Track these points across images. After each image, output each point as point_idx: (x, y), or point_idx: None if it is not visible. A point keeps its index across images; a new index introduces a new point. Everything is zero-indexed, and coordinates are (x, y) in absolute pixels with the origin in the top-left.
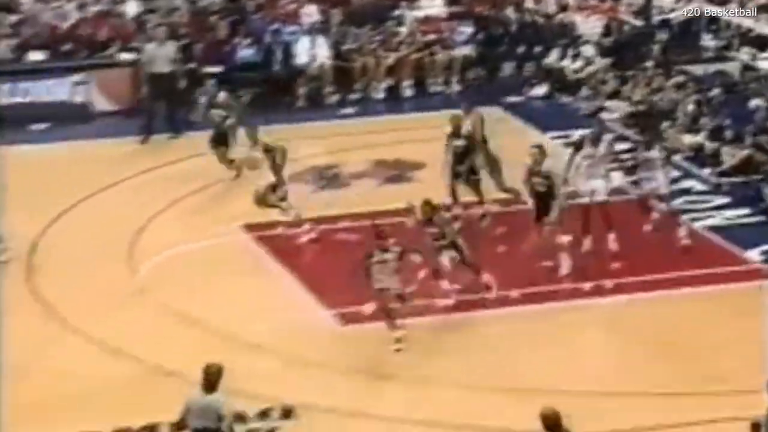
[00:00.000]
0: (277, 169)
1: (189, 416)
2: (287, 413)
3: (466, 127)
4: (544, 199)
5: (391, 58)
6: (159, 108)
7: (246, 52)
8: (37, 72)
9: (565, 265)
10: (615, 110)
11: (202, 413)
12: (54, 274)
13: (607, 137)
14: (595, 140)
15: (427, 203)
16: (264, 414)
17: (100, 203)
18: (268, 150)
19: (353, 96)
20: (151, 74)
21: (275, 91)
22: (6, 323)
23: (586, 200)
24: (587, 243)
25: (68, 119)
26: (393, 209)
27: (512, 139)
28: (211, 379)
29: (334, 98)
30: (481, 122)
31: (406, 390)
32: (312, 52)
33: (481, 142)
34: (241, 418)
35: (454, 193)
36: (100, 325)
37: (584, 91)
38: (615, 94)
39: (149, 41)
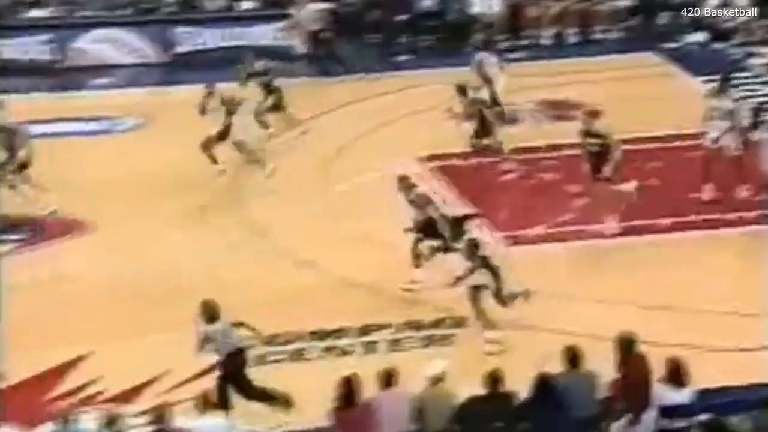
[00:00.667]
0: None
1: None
2: None
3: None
4: (598, 158)
5: (556, 7)
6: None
7: (426, 2)
8: (245, 19)
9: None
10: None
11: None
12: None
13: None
14: (722, 90)
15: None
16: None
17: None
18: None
19: (522, 42)
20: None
21: (451, 37)
22: (216, 240)
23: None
24: (707, 190)
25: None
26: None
27: (666, 83)
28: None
29: (505, 44)
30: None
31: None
32: (486, 2)
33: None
34: None
35: None
36: (293, 239)
37: (737, 39)
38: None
39: None
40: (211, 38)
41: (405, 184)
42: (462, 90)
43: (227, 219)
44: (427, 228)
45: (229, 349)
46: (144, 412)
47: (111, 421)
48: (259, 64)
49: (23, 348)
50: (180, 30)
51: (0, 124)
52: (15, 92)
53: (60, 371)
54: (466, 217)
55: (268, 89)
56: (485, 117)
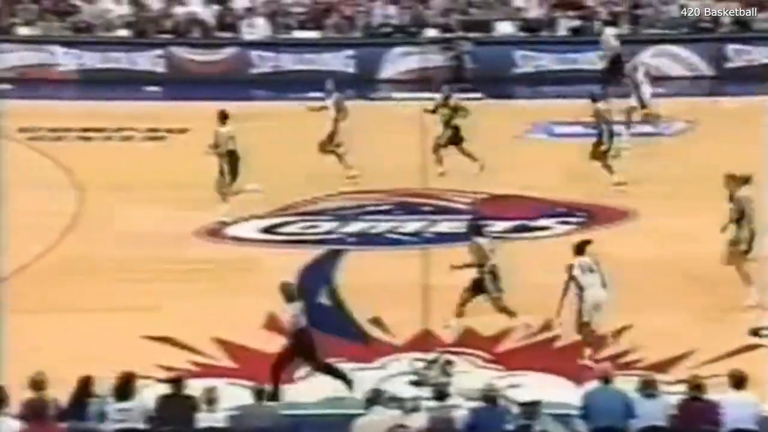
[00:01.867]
0: None
1: None
2: None
3: None
4: None
5: None
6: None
7: None
8: None
9: None
10: None
11: None
12: None
13: None
14: None
15: None
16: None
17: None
18: None
19: None
20: None
21: None
22: None
23: None
24: None
25: None
26: None
27: None
28: None
29: None
30: None
31: None
32: None
33: None
34: None
35: None
36: None
37: None
38: None
39: None
40: (760, 54)
41: None
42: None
43: None
44: None
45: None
46: (679, 381)
47: (646, 385)
48: None
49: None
50: (732, 47)
51: None
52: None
53: (605, 338)
54: None
55: None
56: None
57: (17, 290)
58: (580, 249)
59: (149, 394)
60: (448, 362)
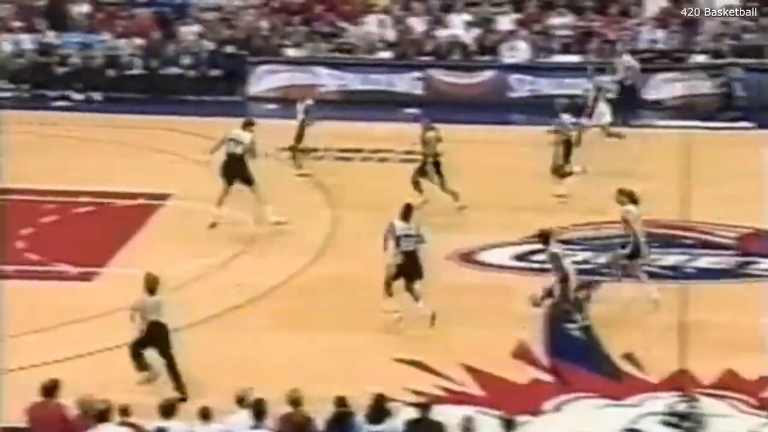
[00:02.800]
0: None
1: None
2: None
3: None
4: None
5: None
6: None
7: None
8: None
9: None
10: None
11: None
12: None
13: None
14: None
15: None
16: None
17: None
18: None
19: None
20: None
21: None
22: None
23: None
24: None
25: None
26: None
27: None
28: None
29: None
30: None
31: None
32: None
33: None
34: None
35: None
36: None
37: None
38: None
39: None
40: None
41: None
42: None
43: None
44: None
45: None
46: None
47: None
48: None
49: None
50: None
51: None
52: None
53: None
54: None
55: None
56: None
57: (274, 307)
58: None
59: (400, 417)
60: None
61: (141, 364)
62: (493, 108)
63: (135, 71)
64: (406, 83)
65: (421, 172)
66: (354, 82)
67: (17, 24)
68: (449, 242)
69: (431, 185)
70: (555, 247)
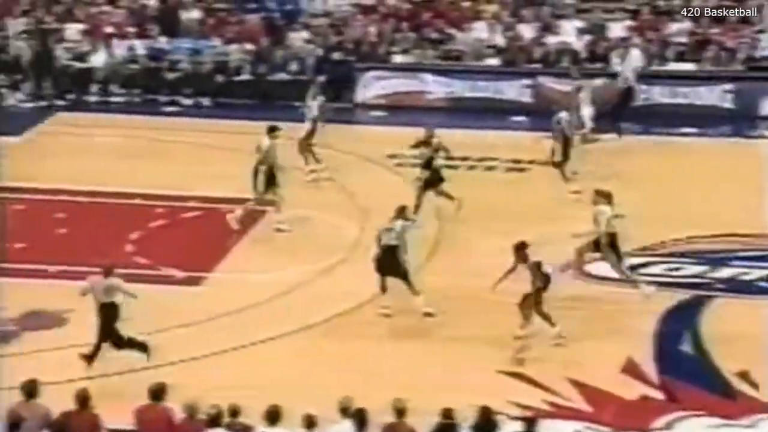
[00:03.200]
0: None
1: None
2: None
3: None
4: None
5: None
6: None
7: None
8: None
9: None
10: None
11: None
12: None
13: None
14: None
15: None
16: None
17: None
18: None
19: None
20: None
21: None
22: None
23: None
24: None
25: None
26: None
27: None
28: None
29: None
30: None
31: None
32: None
33: None
34: None
35: None
36: None
37: None
38: None
39: None
40: None
41: None
42: None
43: None
44: None
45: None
46: None
47: None
48: None
49: None
50: None
51: None
52: None
53: None
54: None
55: None
56: None
57: (379, 315)
58: None
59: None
60: None
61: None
62: (603, 117)
63: (243, 77)
64: (514, 90)
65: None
66: (461, 89)
67: (130, 29)
68: (555, 253)
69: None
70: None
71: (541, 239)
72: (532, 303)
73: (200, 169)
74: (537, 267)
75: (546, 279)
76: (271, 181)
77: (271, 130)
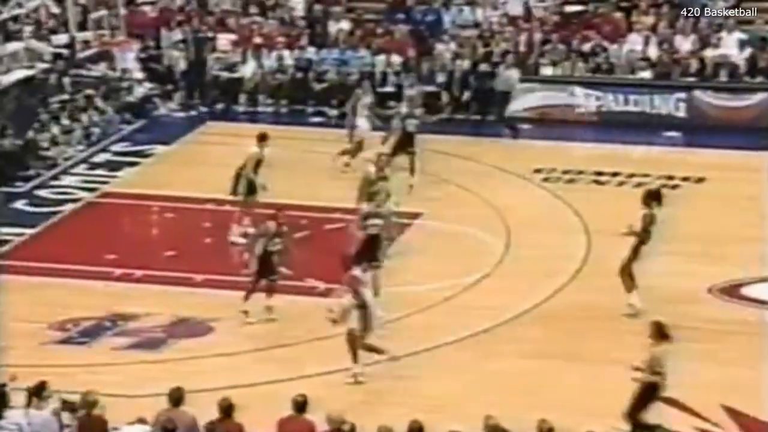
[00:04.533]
0: None
1: None
2: None
3: None
4: None
5: None
6: None
7: None
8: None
9: None
10: None
11: None
12: None
13: None
14: None
15: None
16: None
17: None
18: None
19: None
20: None
21: None
22: None
23: None
24: None
25: None
26: None
27: None
28: None
29: None
30: None
31: None
32: None
33: None
34: None
35: None
36: None
37: None
38: None
39: None
40: None
41: None
42: None
43: None
44: None
45: None
46: None
47: None
48: None
49: None
50: None
51: None
52: None
53: None
54: None
55: None
56: None
57: (520, 333)
58: None
59: None
60: None
61: None
62: (763, 133)
63: (388, 88)
64: (667, 105)
65: None
66: (612, 102)
67: (280, 40)
68: (712, 275)
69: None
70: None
71: (701, 260)
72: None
73: (344, 182)
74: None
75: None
76: (250, 188)
77: (261, 138)
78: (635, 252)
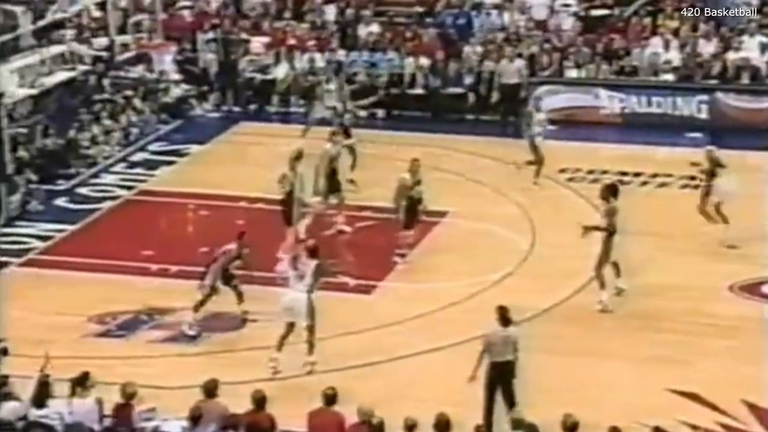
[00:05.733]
0: None
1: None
2: None
3: None
4: None
5: None
6: None
7: None
8: None
9: None
10: None
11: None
12: None
13: None
14: None
15: None
16: None
17: None
18: None
19: None
20: None
21: None
22: None
23: None
24: None
25: None
26: None
27: None
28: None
29: None
30: None
31: None
32: None
33: None
34: None
35: None
36: None
37: None
38: None
39: None
40: None
41: None
42: None
43: None
44: None
45: None
46: None
47: None
48: None
49: None
50: None
51: None
52: None
53: None
54: None
55: None
56: None
57: (545, 330)
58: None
59: None
60: None
61: None
62: None
63: (417, 90)
64: (690, 106)
65: None
66: (636, 104)
67: (311, 42)
68: (733, 273)
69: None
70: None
71: (724, 258)
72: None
73: (374, 180)
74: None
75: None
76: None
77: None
78: (606, 246)
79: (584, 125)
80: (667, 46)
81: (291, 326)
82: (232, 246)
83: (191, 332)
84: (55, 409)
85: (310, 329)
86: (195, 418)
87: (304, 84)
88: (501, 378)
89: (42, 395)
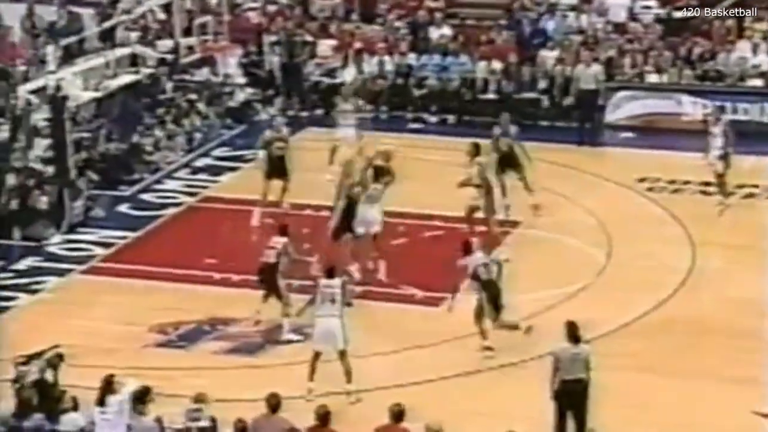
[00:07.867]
0: None
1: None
2: None
3: None
4: None
5: None
6: None
7: None
8: None
9: None
10: None
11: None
12: None
13: None
14: None
15: None
16: None
17: None
18: None
19: None
20: None
21: None
22: None
23: None
24: None
25: None
26: None
27: None
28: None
29: None
30: None
31: None
32: None
33: None
34: None
35: None
36: None
37: None
38: None
39: None
40: None
41: None
42: None
43: None
44: None
45: None
46: None
47: None
48: None
49: None
50: None
51: None
52: None
53: None
54: None
55: None
56: None
57: (624, 346)
58: None
59: None
60: None
61: None
62: None
63: (489, 95)
64: None
65: None
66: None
67: (380, 45)
68: None
69: None
70: None
71: None
72: None
73: (444, 188)
74: None
75: None
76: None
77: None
78: (488, 200)
79: (665, 132)
80: (755, 49)
81: (318, 355)
82: (284, 239)
83: (295, 337)
84: (113, 408)
85: (343, 354)
86: (240, 429)
87: (372, 88)
88: (571, 396)
89: (104, 393)
